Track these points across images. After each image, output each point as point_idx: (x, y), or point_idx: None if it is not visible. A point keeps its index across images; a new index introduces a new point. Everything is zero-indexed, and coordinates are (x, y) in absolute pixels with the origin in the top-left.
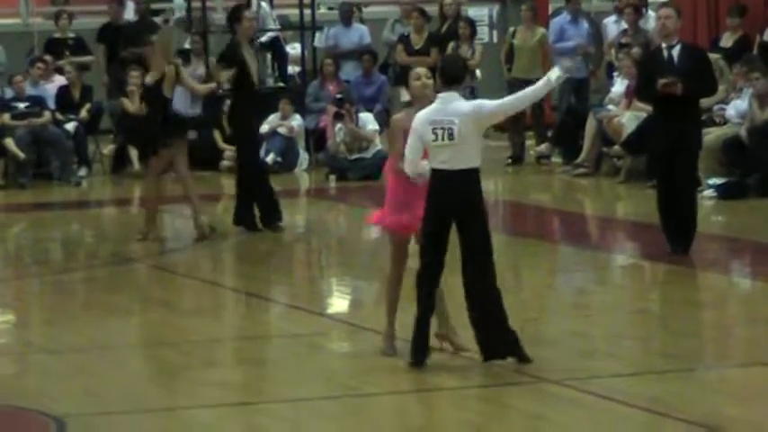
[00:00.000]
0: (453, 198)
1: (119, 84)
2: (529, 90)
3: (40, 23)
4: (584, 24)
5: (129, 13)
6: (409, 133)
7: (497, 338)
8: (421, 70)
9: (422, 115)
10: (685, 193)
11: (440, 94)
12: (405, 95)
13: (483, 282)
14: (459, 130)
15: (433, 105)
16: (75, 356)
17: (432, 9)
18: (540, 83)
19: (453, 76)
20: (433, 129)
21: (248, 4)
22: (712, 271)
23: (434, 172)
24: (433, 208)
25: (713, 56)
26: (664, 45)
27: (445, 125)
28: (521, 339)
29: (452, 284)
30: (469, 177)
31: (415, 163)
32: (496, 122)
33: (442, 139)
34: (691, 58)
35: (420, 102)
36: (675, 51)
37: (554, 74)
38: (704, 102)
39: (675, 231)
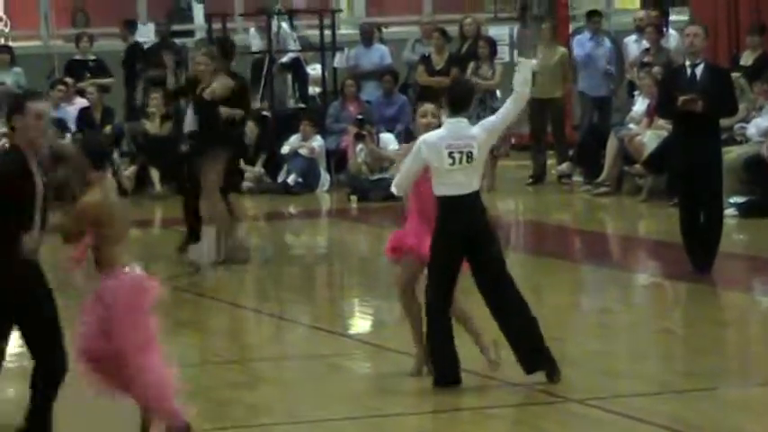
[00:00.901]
0: (466, 221)
1: (132, 106)
2: (512, 99)
3: (61, 46)
4: (606, 43)
5: (150, 35)
6: (409, 156)
7: (536, 350)
8: (428, 107)
9: (431, 139)
10: (710, 211)
11: (449, 120)
12: None
13: (512, 299)
14: (478, 153)
15: (442, 131)
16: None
17: (452, 29)
18: (515, 84)
19: (461, 101)
20: (450, 152)
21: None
22: (734, 290)
23: (444, 199)
24: (447, 235)
25: (733, 74)
26: (687, 63)
27: (463, 148)
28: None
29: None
30: (478, 198)
31: (408, 184)
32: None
33: (460, 162)
34: (713, 78)
35: None
36: (699, 70)
37: (526, 71)
38: (725, 120)
39: (698, 250)
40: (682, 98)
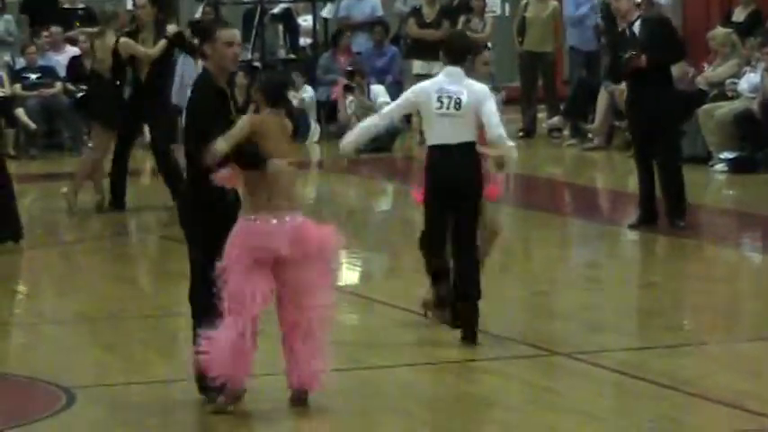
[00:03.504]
0: (453, 172)
1: None
2: (502, 142)
3: None
4: None
5: None
6: (405, 94)
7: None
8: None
9: (424, 83)
10: (664, 161)
11: (446, 68)
12: (416, 68)
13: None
14: (468, 101)
15: (437, 78)
16: (86, 327)
17: None
18: (503, 148)
19: (457, 51)
20: (439, 97)
21: None
22: (723, 245)
23: (432, 147)
24: (433, 183)
25: (726, 30)
26: (624, 24)
27: (453, 95)
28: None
29: None
30: (469, 151)
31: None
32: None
33: (448, 108)
34: (651, 29)
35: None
36: (636, 27)
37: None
38: (717, 75)
39: (653, 204)
40: (624, 57)
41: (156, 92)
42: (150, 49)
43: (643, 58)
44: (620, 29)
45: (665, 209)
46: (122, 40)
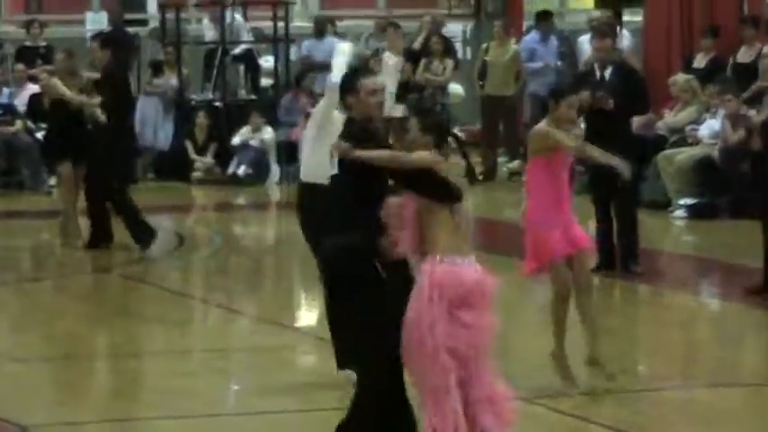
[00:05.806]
0: None
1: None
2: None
3: (14, 32)
4: (554, 42)
5: (103, 23)
6: None
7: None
8: None
9: None
10: (623, 210)
11: None
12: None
13: None
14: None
15: None
16: (43, 366)
17: (406, 25)
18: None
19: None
20: None
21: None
22: (681, 291)
23: None
24: None
25: (686, 76)
26: (597, 65)
27: None
28: None
29: None
30: None
31: None
32: None
33: None
34: (622, 77)
35: None
36: (608, 71)
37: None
38: (677, 122)
39: (622, 249)
40: (597, 96)
41: (115, 132)
42: (72, 94)
43: (610, 101)
44: (591, 66)
45: (619, 253)
46: (51, 81)
